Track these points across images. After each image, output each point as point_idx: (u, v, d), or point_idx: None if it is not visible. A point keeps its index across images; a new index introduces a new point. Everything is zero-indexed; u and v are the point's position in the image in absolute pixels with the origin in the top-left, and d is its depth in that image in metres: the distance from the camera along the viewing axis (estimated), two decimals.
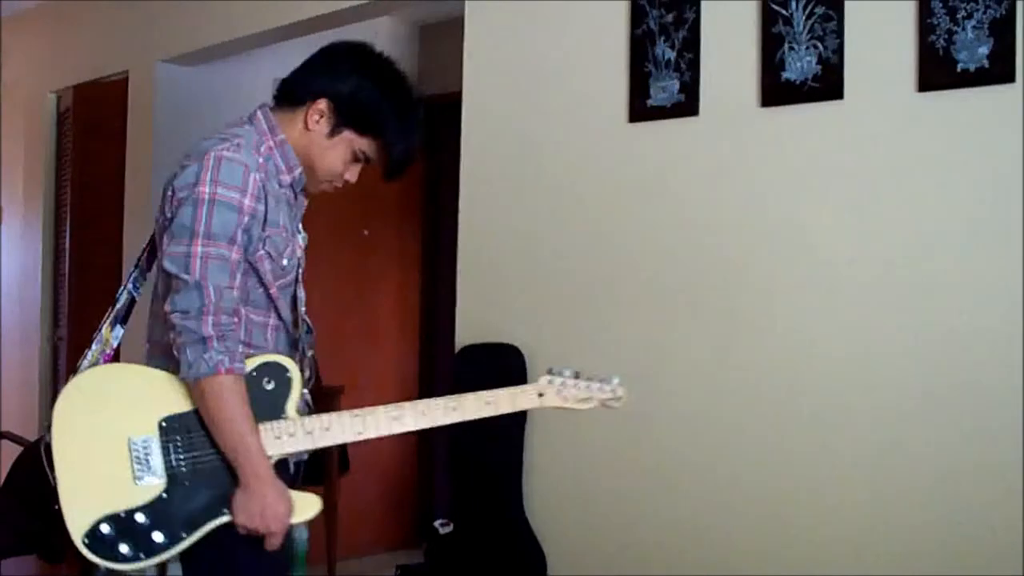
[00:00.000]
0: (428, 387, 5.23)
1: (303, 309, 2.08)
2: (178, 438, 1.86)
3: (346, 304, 5.01)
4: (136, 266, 2.09)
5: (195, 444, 1.86)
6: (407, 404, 1.96)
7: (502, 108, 3.43)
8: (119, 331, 2.05)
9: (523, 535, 3.25)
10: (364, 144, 2.00)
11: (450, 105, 3.95)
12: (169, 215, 1.90)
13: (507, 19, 3.42)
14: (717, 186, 2.89)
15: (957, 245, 2.46)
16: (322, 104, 1.97)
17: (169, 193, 1.91)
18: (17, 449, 3.89)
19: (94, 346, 2.05)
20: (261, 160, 1.94)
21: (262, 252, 1.92)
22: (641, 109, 3.04)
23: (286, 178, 2.00)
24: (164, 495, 1.84)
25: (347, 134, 1.99)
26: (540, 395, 2.06)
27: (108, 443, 1.84)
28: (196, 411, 1.86)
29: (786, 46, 2.72)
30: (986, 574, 2.35)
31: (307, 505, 1.91)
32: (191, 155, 1.92)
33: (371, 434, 1.94)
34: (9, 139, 5.94)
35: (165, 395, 1.87)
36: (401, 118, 2.00)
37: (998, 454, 2.37)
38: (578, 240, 3.19)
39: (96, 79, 5.25)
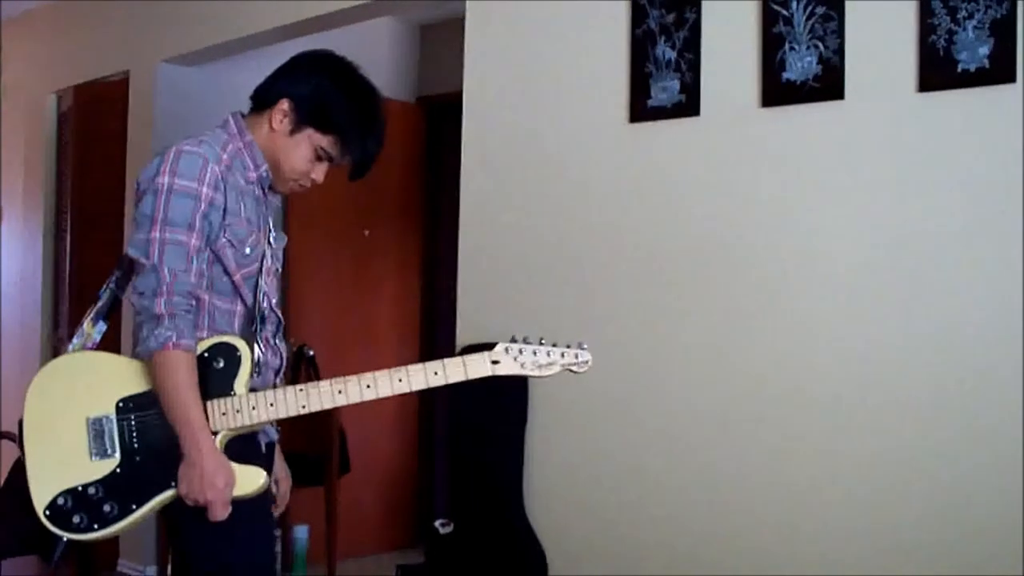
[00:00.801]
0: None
1: (271, 300, 2.17)
2: (132, 416, 1.99)
3: (346, 304, 5.01)
4: (119, 266, 2.20)
5: (148, 422, 1.99)
6: (352, 377, 2.02)
7: (502, 108, 3.43)
8: (102, 326, 2.17)
9: (523, 535, 3.25)
10: (325, 142, 2.12)
11: (450, 105, 3.95)
12: (135, 206, 2.05)
13: (508, 19, 3.42)
14: (718, 186, 2.89)
15: (957, 245, 2.46)
16: (284, 104, 2.11)
17: (135, 187, 2.07)
18: (17, 450, 3.90)
19: (75, 340, 2.17)
20: (225, 157, 2.08)
21: (223, 240, 2.04)
22: (642, 109, 3.04)
23: (252, 174, 2.14)
24: (117, 470, 1.98)
25: (308, 132, 2.12)
26: (495, 362, 2.01)
27: (69, 422, 1.99)
28: (151, 389, 1.99)
29: (787, 46, 2.72)
30: (986, 574, 2.35)
31: (249, 479, 2.00)
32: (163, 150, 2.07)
33: (315, 407, 2.02)
34: (10, 139, 5.94)
35: (127, 378, 2.01)
36: (360, 117, 2.12)
37: (998, 452, 2.37)
38: (579, 240, 3.19)
39: (97, 79, 5.25)
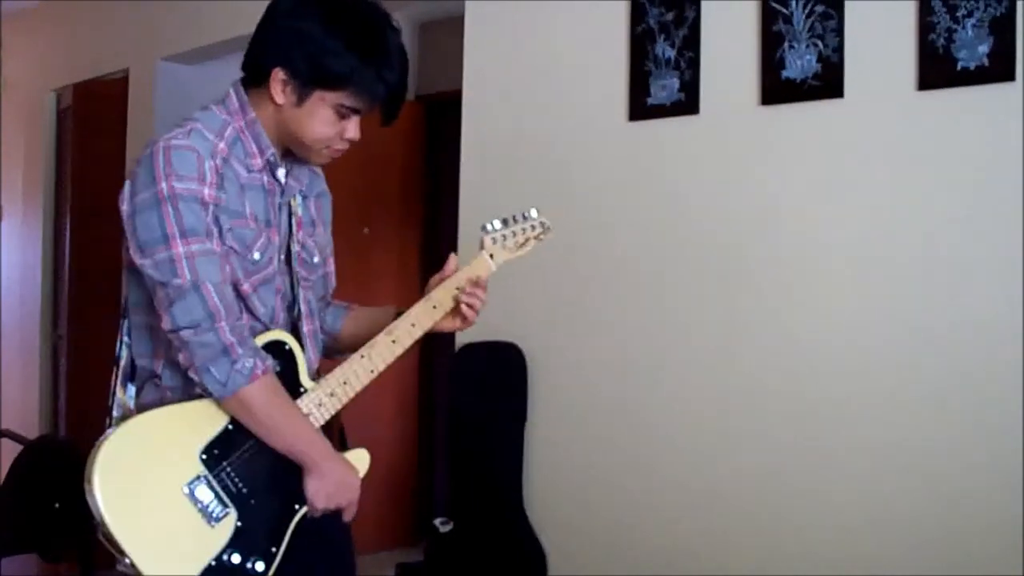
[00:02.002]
0: (428, 385, 5.23)
1: (303, 304, 1.93)
2: (225, 463, 1.77)
3: (345, 301, 5.00)
4: (124, 316, 1.90)
5: (243, 460, 1.78)
6: (393, 325, 1.93)
7: (502, 106, 3.43)
8: (131, 390, 1.86)
9: (523, 533, 3.25)
10: (341, 98, 1.79)
11: (450, 103, 3.95)
12: (130, 225, 1.74)
13: (507, 17, 3.42)
14: (717, 184, 2.89)
15: (957, 242, 2.46)
16: (280, 74, 1.79)
17: (120, 206, 1.76)
18: (17, 448, 3.90)
19: (115, 412, 1.86)
20: (222, 145, 1.79)
21: (226, 247, 1.77)
22: (641, 107, 3.04)
23: (256, 162, 1.84)
24: (239, 524, 1.76)
25: (317, 95, 1.79)
26: (491, 256, 2.02)
27: (166, 499, 1.72)
28: (227, 426, 1.77)
29: (786, 44, 2.72)
30: (986, 574, 2.35)
31: (361, 460, 1.90)
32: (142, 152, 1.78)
33: (379, 366, 1.89)
34: (9, 137, 5.93)
35: (192, 425, 1.76)
36: (368, 55, 1.77)
37: (999, 451, 2.37)
38: (578, 238, 3.19)
39: (96, 77, 5.25)
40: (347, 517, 1.88)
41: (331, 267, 2.08)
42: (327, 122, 1.82)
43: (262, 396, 1.73)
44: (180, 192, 1.70)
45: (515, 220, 2.05)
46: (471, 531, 3.39)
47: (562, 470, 3.22)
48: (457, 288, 1.97)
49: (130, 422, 1.75)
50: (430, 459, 5.30)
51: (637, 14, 3.04)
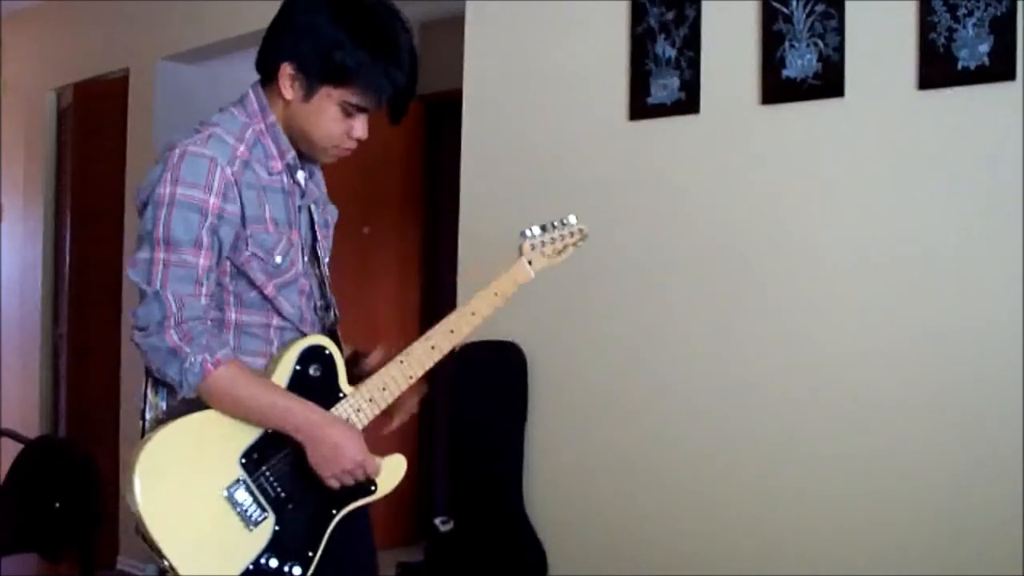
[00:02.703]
0: (429, 385, 5.23)
1: (321, 302, 1.98)
2: (263, 467, 1.77)
3: (346, 302, 4.97)
4: None
5: (280, 465, 1.79)
6: (431, 331, 1.93)
7: (503, 106, 3.43)
8: (163, 392, 1.84)
9: (523, 533, 3.25)
10: (348, 95, 1.78)
11: (450, 103, 3.95)
12: (139, 218, 1.79)
13: (508, 17, 3.42)
14: (718, 184, 2.89)
15: (957, 242, 2.46)
16: (288, 68, 1.78)
17: (135, 196, 1.81)
18: (17, 447, 3.90)
19: (147, 415, 1.85)
20: (243, 148, 1.79)
21: (247, 253, 1.79)
22: (642, 107, 3.04)
23: (277, 164, 1.84)
24: (277, 528, 1.77)
25: (324, 91, 1.78)
26: (530, 262, 2.02)
27: (206, 504, 1.73)
28: (266, 431, 1.78)
29: (787, 44, 2.71)
30: (986, 574, 2.35)
31: (394, 467, 1.93)
32: (163, 150, 1.81)
33: (418, 372, 1.90)
34: (9, 137, 5.94)
35: (230, 430, 1.77)
36: (376, 51, 1.76)
37: (999, 452, 2.36)
38: None
39: (97, 77, 5.24)
40: (372, 473, 1.84)
41: None
42: (334, 119, 1.80)
43: (221, 386, 1.73)
44: (180, 199, 1.72)
45: (554, 226, 2.06)
46: (471, 531, 3.39)
47: (562, 470, 3.22)
48: (496, 293, 1.97)
49: (170, 426, 1.74)
50: (430, 459, 5.30)
51: (637, 13, 3.04)
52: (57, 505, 3.40)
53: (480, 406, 3.38)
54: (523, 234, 2.02)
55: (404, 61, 1.79)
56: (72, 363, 5.14)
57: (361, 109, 1.80)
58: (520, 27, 3.38)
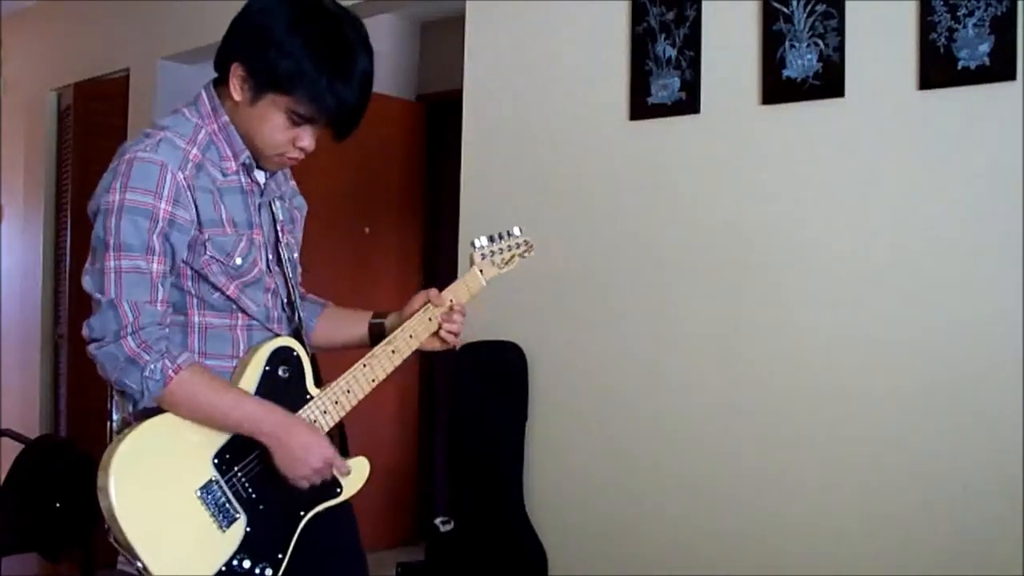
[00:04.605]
0: (429, 385, 5.24)
1: (301, 309, 1.97)
2: (236, 468, 1.77)
3: (346, 301, 5.00)
4: None
5: (252, 465, 1.79)
6: (393, 335, 1.96)
7: (503, 106, 3.43)
8: None
9: (524, 533, 3.25)
10: (292, 103, 1.74)
11: (451, 103, 3.95)
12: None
13: (508, 17, 3.42)
14: (718, 184, 2.89)
15: (957, 242, 2.46)
16: (238, 70, 1.75)
17: (88, 206, 1.78)
18: (18, 447, 3.90)
19: (115, 415, 1.83)
20: (195, 151, 1.76)
21: (206, 257, 1.76)
22: (642, 107, 3.04)
23: (231, 164, 1.80)
24: (248, 529, 1.76)
25: (270, 97, 1.74)
26: (481, 271, 2.09)
27: (179, 503, 1.72)
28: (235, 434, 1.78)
29: (787, 44, 2.71)
30: (986, 574, 2.35)
31: (360, 469, 1.90)
32: (115, 158, 1.78)
33: (381, 376, 1.92)
34: (10, 137, 5.94)
35: (203, 430, 1.76)
36: (323, 61, 1.71)
37: (1000, 451, 2.36)
38: (579, 238, 3.19)
39: (97, 76, 5.25)
40: (339, 471, 1.83)
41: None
42: (279, 128, 1.77)
43: (183, 393, 1.71)
44: (129, 205, 1.69)
45: (501, 237, 2.12)
46: (471, 531, 3.39)
47: (562, 470, 3.22)
48: (451, 301, 2.02)
49: (143, 425, 1.72)
50: (430, 459, 5.31)
51: (638, 13, 3.04)
52: (57, 505, 3.40)
53: (480, 406, 3.38)
54: (472, 244, 2.08)
55: (354, 80, 1.75)
56: (72, 363, 5.14)
57: (308, 120, 1.77)
58: (520, 27, 3.38)
